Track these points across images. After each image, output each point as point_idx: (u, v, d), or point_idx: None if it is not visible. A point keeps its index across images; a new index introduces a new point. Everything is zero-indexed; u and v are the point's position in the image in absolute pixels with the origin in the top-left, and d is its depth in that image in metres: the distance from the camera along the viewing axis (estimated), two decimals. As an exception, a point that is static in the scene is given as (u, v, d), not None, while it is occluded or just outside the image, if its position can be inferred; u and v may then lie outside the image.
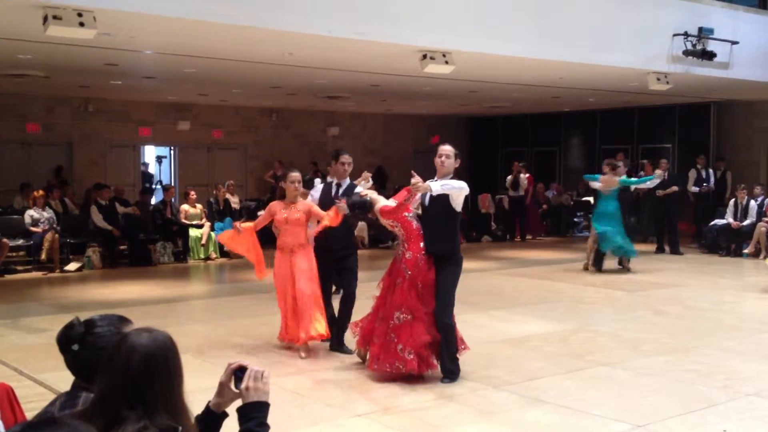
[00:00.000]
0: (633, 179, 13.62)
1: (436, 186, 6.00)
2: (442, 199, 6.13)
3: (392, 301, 6.19)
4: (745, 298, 10.17)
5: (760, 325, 8.69)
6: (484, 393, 5.96)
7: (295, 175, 7.16)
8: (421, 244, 6.19)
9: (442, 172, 6.29)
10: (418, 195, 6.15)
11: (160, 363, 2.12)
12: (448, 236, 6.25)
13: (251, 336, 7.94)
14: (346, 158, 7.34)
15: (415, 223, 6.27)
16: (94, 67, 11.95)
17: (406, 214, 6.27)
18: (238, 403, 2.40)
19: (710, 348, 7.45)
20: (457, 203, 6.18)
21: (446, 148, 6.34)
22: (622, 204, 12.62)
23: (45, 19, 7.35)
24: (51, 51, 9.98)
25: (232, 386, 2.41)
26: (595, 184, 12.53)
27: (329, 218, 6.84)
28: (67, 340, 2.55)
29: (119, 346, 2.18)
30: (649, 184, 13.91)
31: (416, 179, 5.99)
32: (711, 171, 16.83)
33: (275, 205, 7.24)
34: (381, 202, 6.51)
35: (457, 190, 6.11)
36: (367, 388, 6.13)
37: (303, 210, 7.10)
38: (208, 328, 8.50)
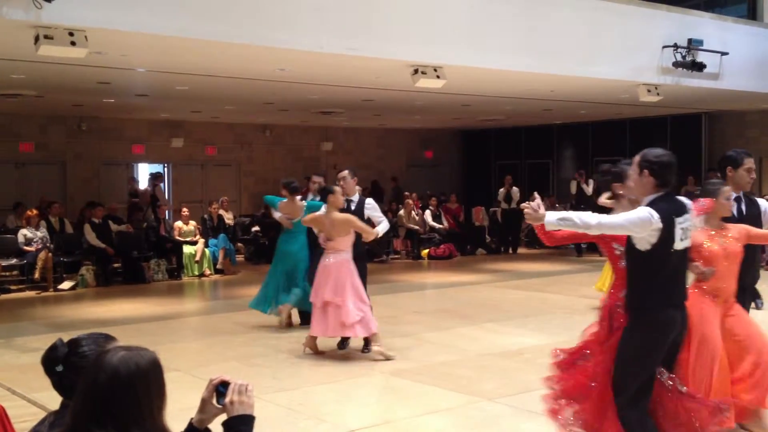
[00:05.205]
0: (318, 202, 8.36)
1: (552, 218, 4.13)
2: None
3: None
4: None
5: None
6: (479, 405, 5.96)
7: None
8: (621, 294, 4.39)
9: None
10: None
11: (126, 382, 2.11)
12: (630, 285, 4.30)
13: (246, 353, 7.92)
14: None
15: (622, 262, 4.47)
16: (87, 85, 11.98)
17: (615, 245, 4.49)
18: (223, 417, 2.40)
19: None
20: (639, 239, 4.14)
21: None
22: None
23: (36, 38, 7.37)
24: (43, 70, 10.01)
25: (215, 401, 2.41)
26: (276, 214, 9.20)
27: None
28: (50, 361, 2.56)
29: (92, 364, 2.19)
30: None
31: (532, 204, 4.20)
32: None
33: (698, 234, 4.83)
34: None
35: (622, 229, 4.15)
36: (363, 403, 6.12)
37: (740, 237, 4.99)
38: (202, 345, 8.48)
